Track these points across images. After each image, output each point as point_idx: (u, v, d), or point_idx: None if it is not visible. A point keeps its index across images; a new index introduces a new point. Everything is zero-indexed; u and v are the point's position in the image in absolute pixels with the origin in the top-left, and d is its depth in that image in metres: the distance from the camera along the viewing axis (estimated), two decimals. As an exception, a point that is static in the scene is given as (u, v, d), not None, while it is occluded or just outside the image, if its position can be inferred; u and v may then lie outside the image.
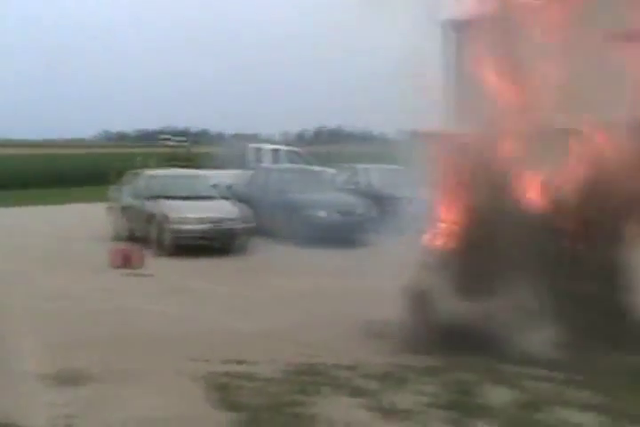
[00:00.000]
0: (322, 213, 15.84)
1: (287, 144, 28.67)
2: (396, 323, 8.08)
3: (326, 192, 16.92)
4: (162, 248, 14.67)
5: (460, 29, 9.21)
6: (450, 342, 7.35)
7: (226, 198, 16.05)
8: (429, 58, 8.74)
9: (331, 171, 21.46)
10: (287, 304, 10.12)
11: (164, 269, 13.20)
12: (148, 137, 61.81)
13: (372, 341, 8.12)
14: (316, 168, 20.60)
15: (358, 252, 14.57)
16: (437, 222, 8.45)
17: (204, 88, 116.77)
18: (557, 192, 7.84)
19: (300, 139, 64.44)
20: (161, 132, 43.94)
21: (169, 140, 34.03)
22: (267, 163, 22.16)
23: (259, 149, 23.40)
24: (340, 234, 15.26)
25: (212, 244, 14.84)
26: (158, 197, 15.33)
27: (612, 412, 5.75)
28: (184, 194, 15.57)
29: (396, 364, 7.19)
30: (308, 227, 15.61)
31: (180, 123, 70.94)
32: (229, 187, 18.93)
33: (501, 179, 7.97)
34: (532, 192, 7.98)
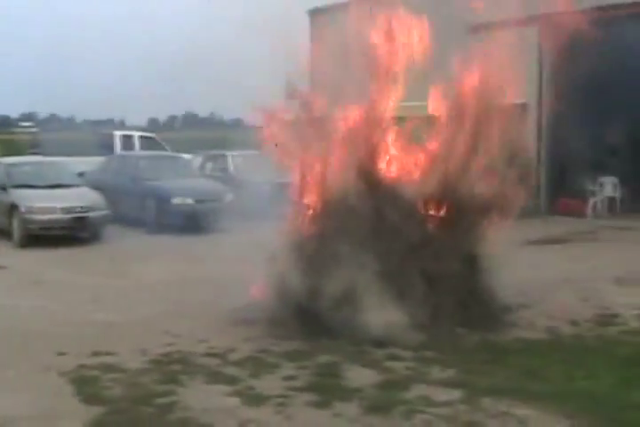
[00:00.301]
0: (176, 200, 15.80)
1: (153, 131, 28.22)
2: (261, 308, 8.36)
3: (181, 179, 16.86)
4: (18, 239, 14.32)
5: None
6: (311, 326, 7.69)
7: (78, 186, 15.70)
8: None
9: (187, 157, 21.41)
10: (151, 293, 10.13)
11: (21, 261, 12.92)
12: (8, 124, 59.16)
13: (239, 327, 8.24)
14: (172, 154, 20.45)
15: (216, 238, 14.68)
16: (294, 206, 8.72)
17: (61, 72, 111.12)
18: (415, 177, 8.30)
19: (169, 125, 63.63)
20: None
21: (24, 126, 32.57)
22: (119, 149, 21.78)
23: (111, 135, 22.91)
24: (196, 221, 15.33)
25: (66, 233, 14.52)
26: (16, 186, 14.88)
27: (468, 387, 6.21)
28: (43, 182, 15.12)
29: (263, 349, 7.44)
30: (162, 214, 15.61)
31: (41, 108, 67.55)
32: (81, 174, 18.53)
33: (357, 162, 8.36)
34: (391, 174, 8.42)
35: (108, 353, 7.36)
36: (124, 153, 20.11)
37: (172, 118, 75.12)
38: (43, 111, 67.47)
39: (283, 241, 8.51)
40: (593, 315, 8.70)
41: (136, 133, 23.71)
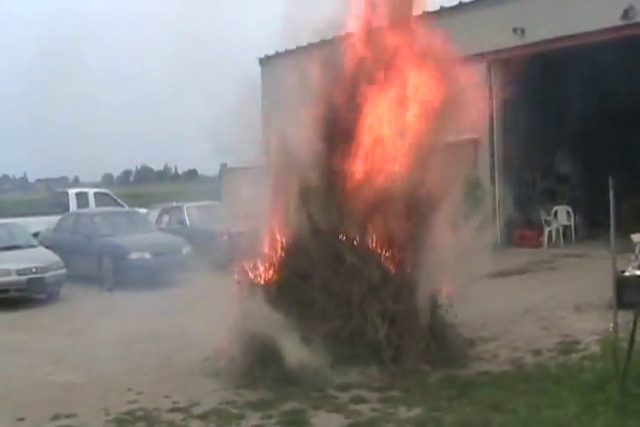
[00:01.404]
0: (133, 255, 15.66)
1: (108, 187, 28.12)
2: (223, 360, 8.27)
3: (138, 233, 16.74)
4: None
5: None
6: (275, 374, 7.63)
7: (33, 246, 15.51)
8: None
9: (142, 211, 21.30)
10: (111, 350, 9.90)
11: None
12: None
13: (203, 380, 8.16)
14: (127, 209, 20.35)
15: (175, 292, 14.52)
16: (252, 253, 8.72)
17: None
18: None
19: (124, 180, 63.49)
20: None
21: None
22: (73, 207, 21.60)
23: (65, 193, 22.77)
24: (155, 275, 15.18)
25: (23, 295, 14.27)
26: None
27: (435, 424, 6.19)
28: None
29: (227, 401, 7.33)
30: (120, 270, 15.45)
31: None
32: (37, 234, 18.35)
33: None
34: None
35: (68, 416, 7.20)
36: (79, 211, 19.92)
37: (127, 173, 75.10)
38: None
39: (241, 290, 8.50)
40: (555, 343, 8.76)
41: (90, 190, 23.58)
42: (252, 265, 8.58)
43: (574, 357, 8.10)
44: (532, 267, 15.12)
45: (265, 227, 8.79)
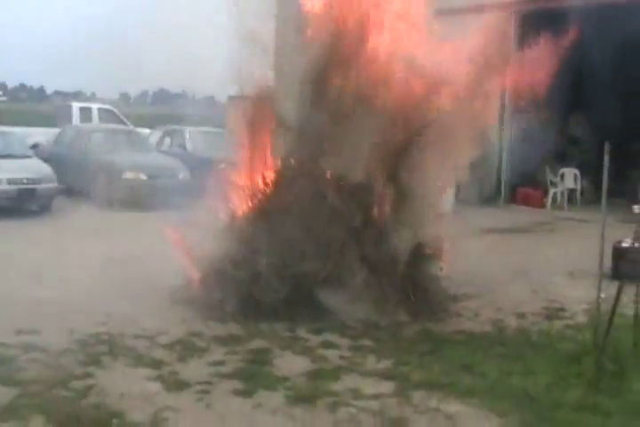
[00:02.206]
0: (127, 175, 15.37)
1: (126, 105, 27.73)
2: (200, 289, 8.07)
3: (135, 153, 16.42)
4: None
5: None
6: (249, 309, 7.45)
7: (29, 157, 15.24)
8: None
9: (144, 131, 20.97)
10: (92, 270, 9.75)
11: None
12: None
13: (176, 308, 7.97)
14: (127, 128, 19.97)
15: (168, 215, 14.24)
16: (239, 186, 8.43)
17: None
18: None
19: (141, 101, 62.90)
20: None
21: None
22: (76, 121, 21.26)
23: (69, 107, 22.40)
24: (148, 196, 14.91)
25: (13, 205, 14.07)
26: None
27: (401, 380, 5.95)
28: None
29: (195, 333, 7.14)
30: (113, 188, 15.22)
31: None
32: (35, 145, 18.10)
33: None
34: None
35: (32, 332, 7.01)
36: (78, 125, 19.57)
37: (144, 93, 74.21)
38: (12, 80, 66.18)
39: (226, 221, 8.25)
40: (540, 308, 8.51)
41: (94, 106, 23.21)
42: (235, 195, 8.30)
43: (558, 324, 7.84)
44: (532, 227, 14.80)
45: (249, 158, 8.47)
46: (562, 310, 8.48)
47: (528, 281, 9.71)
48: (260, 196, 8.08)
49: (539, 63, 8.09)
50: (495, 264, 10.50)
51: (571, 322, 7.94)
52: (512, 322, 7.88)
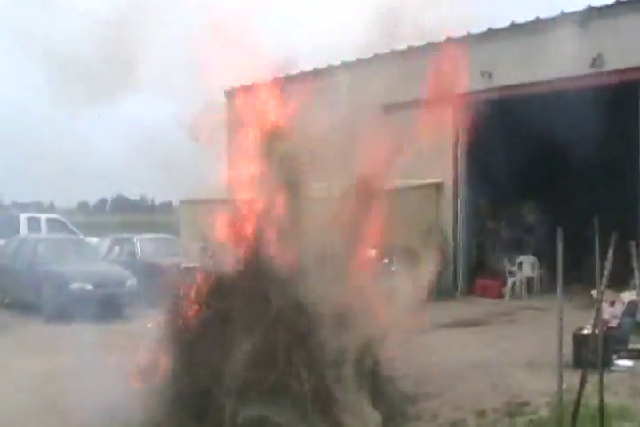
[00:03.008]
0: (74, 285, 14.84)
1: (83, 214, 27.46)
2: (137, 406, 7.51)
3: (82, 262, 15.95)
4: None
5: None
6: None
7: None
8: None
9: (93, 240, 20.58)
10: (25, 386, 9.14)
11: None
12: None
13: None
14: (74, 237, 19.56)
15: (116, 326, 13.75)
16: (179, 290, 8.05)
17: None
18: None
19: (100, 208, 62.75)
20: None
21: None
22: (24, 231, 20.80)
23: (17, 217, 22.01)
24: (97, 307, 14.35)
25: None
26: None
27: None
28: None
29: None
30: (60, 300, 14.65)
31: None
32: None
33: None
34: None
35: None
36: (23, 236, 19.13)
37: (103, 202, 74.09)
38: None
39: (164, 329, 7.81)
40: (502, 404, 8.05)
41: (43, 216, 22.83)
42: (179, 304, 7.90)
43: (519, 421, 7.39)
44: (491, 318, 14.47)
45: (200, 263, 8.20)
46: (524, 404, 8.04)
47: (488, 375, 9.29)
48: (200, 302, 7.68)
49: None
50: (454, 359, 10.09)
51: (534, 417, 7.50)
52: (472, 421, 7.44)
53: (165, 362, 7.57)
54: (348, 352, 7.11)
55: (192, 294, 7.76)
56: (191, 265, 10.75)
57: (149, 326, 8.49)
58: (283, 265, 7.37)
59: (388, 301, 7.69)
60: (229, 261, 7.66)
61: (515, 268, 17.80)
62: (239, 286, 7.29)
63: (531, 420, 7.39)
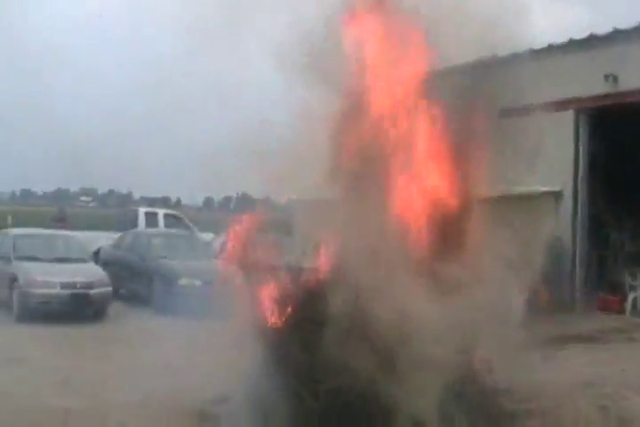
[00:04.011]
0: (183, 281, 15.06)
1: (210, 210, 28.11)
2: (229, 403, 7.47)
3: (194, 259, 16.18)
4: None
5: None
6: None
7: (85, 261, 15.18)
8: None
9: (209, 236, 20.91)
10: (128, 379, 9.27)
11: (8, 336, 12.26)
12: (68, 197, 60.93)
13: (203, 423, 7.44)
14: (188, 233, 19.92)
15: (220, 323, 13.83)
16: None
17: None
18: None
19: (225, 206, 64.73)
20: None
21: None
22: (142, 226, 21.41)
23: (136, 212, 22.72)
24: (204, 304, 14.50)
25: (66, 309, 13.87)
26: (20, 257, 14.42)
27: None
28: (48, 255, 14.64)
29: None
30: (169, 294, 14.92)
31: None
32: (98, 250, 18.20)
33: None
34: None
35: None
36: (138, 230, 19.66)
37: (227, 199, 75.98)
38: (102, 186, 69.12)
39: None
40: (608, 428, 7.52)
41: (161, 211, 23.44)
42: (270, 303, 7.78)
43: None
44: (607, 335, 13.64)
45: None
46: (633, 430, 7.48)
47: (599, 395, 8.67)
48: (293, 304, 7.53)
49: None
50: (564, 376, 9.51)
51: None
52: (574, 445, 6.93)
53: (256, 362, 7.45)
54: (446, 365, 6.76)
55: (290, 295, 7.64)
56: (303, 266, 10.69)
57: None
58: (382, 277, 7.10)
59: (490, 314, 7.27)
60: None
61: (637, 282, 16.82)
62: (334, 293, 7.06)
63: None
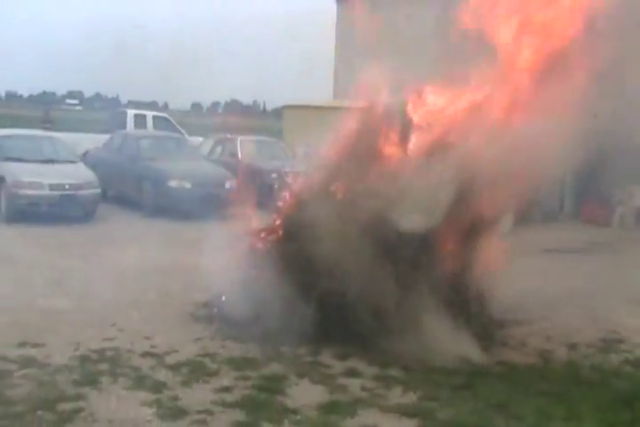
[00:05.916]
0: (172, 183, 14.92)
1: (198, 115, 27.66)
2: (223, 305, 7.52)
3: (182, 161, 15.96)
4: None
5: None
6: (269, 331, 6.82)
7: (74, 162, 14.94)
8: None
9: (197, 140, 20.65)
10: (119, 280, 9.26)
11: (-1, 237, 12.22)
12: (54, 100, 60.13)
13: (194, 325, 7.49)
14: (176, 135, 19.58)
15: (211, 226, 13.80)
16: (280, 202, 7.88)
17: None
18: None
19: (213, 111, 64.05)
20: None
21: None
22: (130, 128, 21.04)
23: (124, 114, 22.27)
24: (193, 205, 14.44)
25: (55, 210, 13.75)
26: (7, 158, 14.15)
27: (425, 418, 5.29)
28: (36, 157, 14.37)
29: (208, 353, 6.58)
30: (158, 196, 14.83)
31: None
32: (86, 152, 17.92)
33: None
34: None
35: (35, 345, 6.57)
36: (126, 132, 19.28)
37: (215, 104, 75.17)
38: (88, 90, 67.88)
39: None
40: (596, 339, 7.65)
41: (149, 113, 22.99)
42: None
43: (614, 358, 6.99)
44: (594, 247, 13.77)
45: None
46: (620, 341, 7.62)
47: (585, 307, 8.78)
48: (288, 213, 7.47)
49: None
50: (550, 288, 9.61)
51: (629, 356, 7.08)
52: (562, 354, 7.06)
53: (251, 266, 7.44)
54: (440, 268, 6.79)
55: (286, 200, 7.58)
56: (292, 170, 10.53)
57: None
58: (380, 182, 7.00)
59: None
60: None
61: (625, 196, 16.87)
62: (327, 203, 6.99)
63: (626, 358, 6.97)
